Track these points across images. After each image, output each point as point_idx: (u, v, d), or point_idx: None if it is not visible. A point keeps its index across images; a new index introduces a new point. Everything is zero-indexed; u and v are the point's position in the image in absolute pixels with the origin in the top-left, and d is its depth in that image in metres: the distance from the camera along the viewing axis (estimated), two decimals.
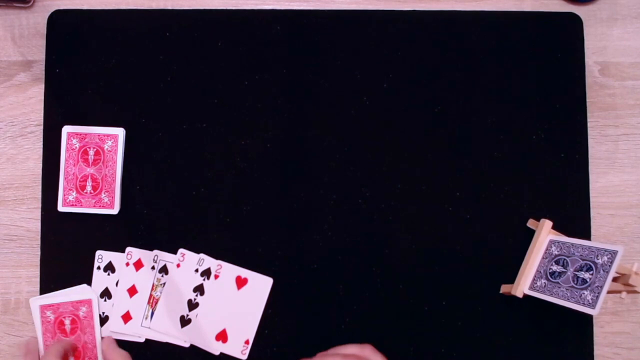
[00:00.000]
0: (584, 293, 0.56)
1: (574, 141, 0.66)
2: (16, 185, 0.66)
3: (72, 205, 0.64)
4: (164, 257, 0.64)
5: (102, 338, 0.63)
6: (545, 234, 0.61)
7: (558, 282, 0.58)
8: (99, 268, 0.64)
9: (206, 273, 0.64)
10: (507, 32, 0.67)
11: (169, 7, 0.67)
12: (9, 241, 0.65)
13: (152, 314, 0.63)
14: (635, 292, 0.55)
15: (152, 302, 0.64)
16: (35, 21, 0.67)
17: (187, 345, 0.63)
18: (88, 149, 0.64)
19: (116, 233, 0.65)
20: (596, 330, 0.65)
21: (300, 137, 0.66)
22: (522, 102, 0.66)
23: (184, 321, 0.63)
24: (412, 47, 0.67)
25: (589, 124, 0.66)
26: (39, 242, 0.65)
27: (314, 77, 0.66)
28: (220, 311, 0.63)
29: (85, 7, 0.67)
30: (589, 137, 0.66)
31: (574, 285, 0.57)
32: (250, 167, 0.65)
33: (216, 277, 0.64)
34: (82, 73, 0.66)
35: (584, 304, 0.55)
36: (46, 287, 0.64)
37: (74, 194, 0.64)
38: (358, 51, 0.67)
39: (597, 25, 0.68)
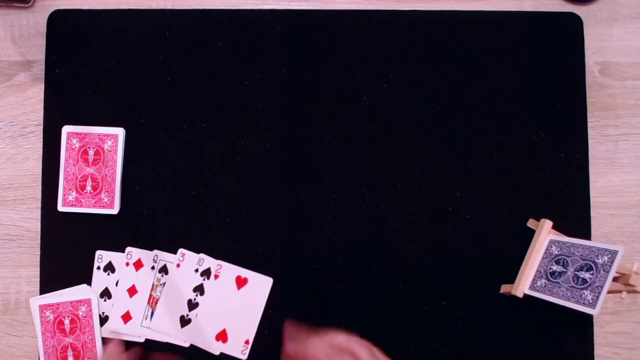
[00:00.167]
0: (584, 293, 0.56)
1: (574, 141, 0.66)
2: (16, 185, 0.66)
3: (72, 205, 0.64)
4: (164, 257, 0.64)
5: (104, 341, 0.63)
6: (545, 234, 0.61)
7: (558, 282, 0.58)
8: (98, 268, 0.64)
9: (206, 273, 0.64)
10: (507, 32, 0.67)
11: (169, 7, 0.67)
12: (9, 241, 0.65)
13: (152, 314, 0.63)
14: (635, 292, 0.55)
15: (152, 302, 0.64)
16: (35, 21, 0.67)
17: (187, 345, 0.63)
18: (88, 149, 0.64)
19: (116, 233, 0.65)
20: (596, 330, 0.65)
21: (300, 137, 0.66)
22: (522, 102, 0.66)
23: (184, 321, 0.63)
24: (412, 47, 0.67)
25: (589, 124, 0.66)
26: (38, 242, 0.65)
27: (314, 77, 0.66)
28: (220, 311, 0.63)
29: (85, 7, 0.67)
30: (589, 137, 0.66)
31: (574, 285, 0.57)
32: (250, 167, 0.65)
33: (216, 277, 0.64)
34: (82, 73, 0.66)
35: (584, 303, 0.55)
36: (46, 287, 0.64)
37: (73, 193, 0.64)
38: (358, 51, 0.67)
39: (597, 25, 0.68)
